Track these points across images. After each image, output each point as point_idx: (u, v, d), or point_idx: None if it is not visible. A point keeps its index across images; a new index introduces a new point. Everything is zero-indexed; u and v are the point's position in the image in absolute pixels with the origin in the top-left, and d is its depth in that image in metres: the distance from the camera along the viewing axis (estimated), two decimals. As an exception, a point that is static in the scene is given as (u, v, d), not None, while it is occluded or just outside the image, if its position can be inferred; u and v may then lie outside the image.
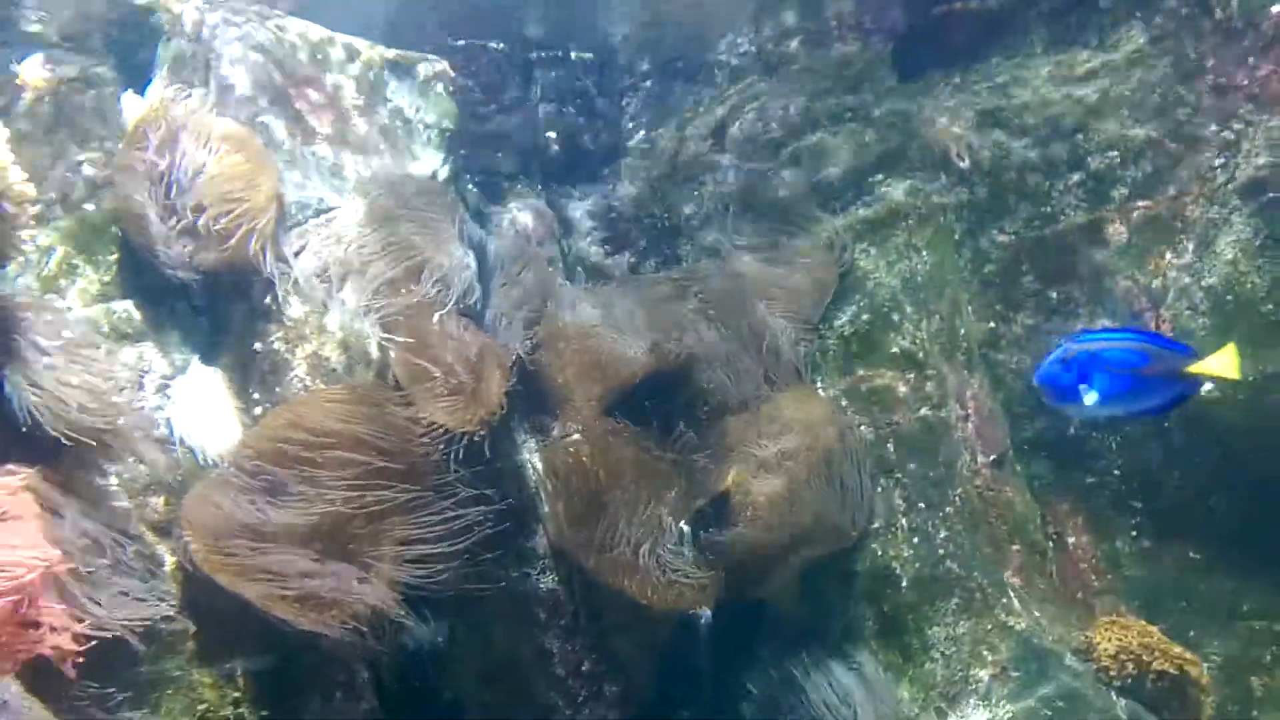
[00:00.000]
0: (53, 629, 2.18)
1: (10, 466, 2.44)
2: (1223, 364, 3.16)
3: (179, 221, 3.12)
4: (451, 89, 3.84)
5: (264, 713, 2.99)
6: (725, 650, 4.03)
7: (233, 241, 3.17)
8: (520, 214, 4.13)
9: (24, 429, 2.56)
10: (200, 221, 3.14)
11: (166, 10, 3.40)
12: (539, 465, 3.84)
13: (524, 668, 3.79)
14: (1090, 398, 3.10)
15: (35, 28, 3.44)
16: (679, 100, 4.66)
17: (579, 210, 4.42)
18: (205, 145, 3.13)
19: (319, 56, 3.55)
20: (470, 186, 4.17)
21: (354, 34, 3.77)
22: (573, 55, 4.45)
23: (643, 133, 4.63)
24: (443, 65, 3.80)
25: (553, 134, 4.43)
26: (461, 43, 4.21)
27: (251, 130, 3.30)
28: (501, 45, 4.30)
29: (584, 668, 3.85)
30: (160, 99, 3.24)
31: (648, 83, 4.67)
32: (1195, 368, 3.13)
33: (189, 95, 3.26)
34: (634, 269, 4.41)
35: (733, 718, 3.96)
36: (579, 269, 4.37)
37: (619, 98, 4.62)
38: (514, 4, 4.34)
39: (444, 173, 3.81)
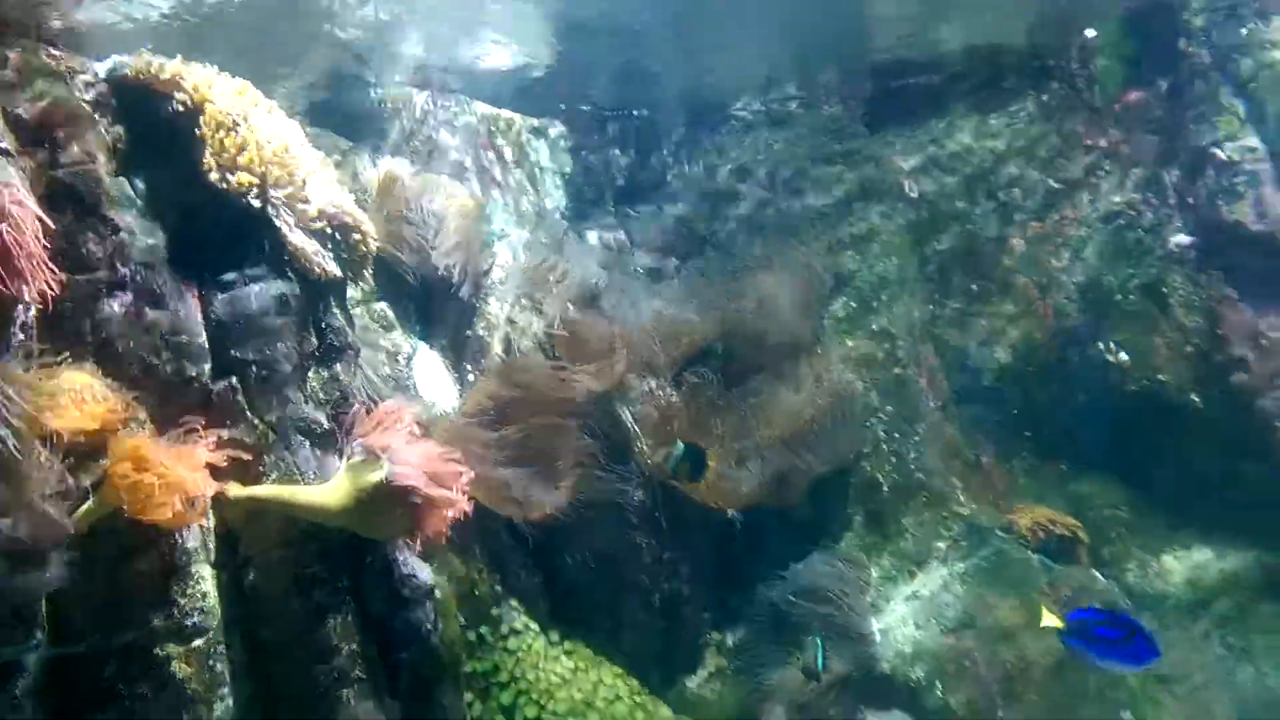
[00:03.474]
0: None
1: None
2: None
3: (423, 247, 4.49)
4: (568, 144, 5.29)
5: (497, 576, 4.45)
6: (755, 544, 5.63)
7: (455, 260, 4.57)
8: (605, 232, 5.61)
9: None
10: (437, 248, 4.52)
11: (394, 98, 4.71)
12: (629, 414, 5.35)
13: (624, 553, 5.28)
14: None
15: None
16: (707, 146, 6.23)
17: (637, 228, 5.92)
18: (440, 197, 4.50)
19: (492, 128, 4.93)
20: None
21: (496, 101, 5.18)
22: (633, 113, 5.92)
23: (681, 167, 6.17)
24: (562, 127, 5.24)
25: (620, 171, 5.90)
26: (563, 106, 5.61)
27: (463, 183, 4.68)
28: (588, 108, 5.72)
29: (665, 556, 5.41)
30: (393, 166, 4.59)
31: (683, 130, 6.21)
32: None
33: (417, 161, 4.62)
34: (678, 270, 5.96)
35: (759, 593, 5.58)
36: (639, 270, 5.88)
37: (662, 144, 6.13)
38: (589, 76, 5.74)
39: (564, 204, 5.27)
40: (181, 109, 3.48)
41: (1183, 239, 5.54)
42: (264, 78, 3.88)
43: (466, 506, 3.53)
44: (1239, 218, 5.23)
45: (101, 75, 3.58)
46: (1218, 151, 5.29)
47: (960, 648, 5.04)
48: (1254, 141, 5.23)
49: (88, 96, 3.54)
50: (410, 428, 3.62)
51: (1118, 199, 5.73)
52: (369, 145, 4.88)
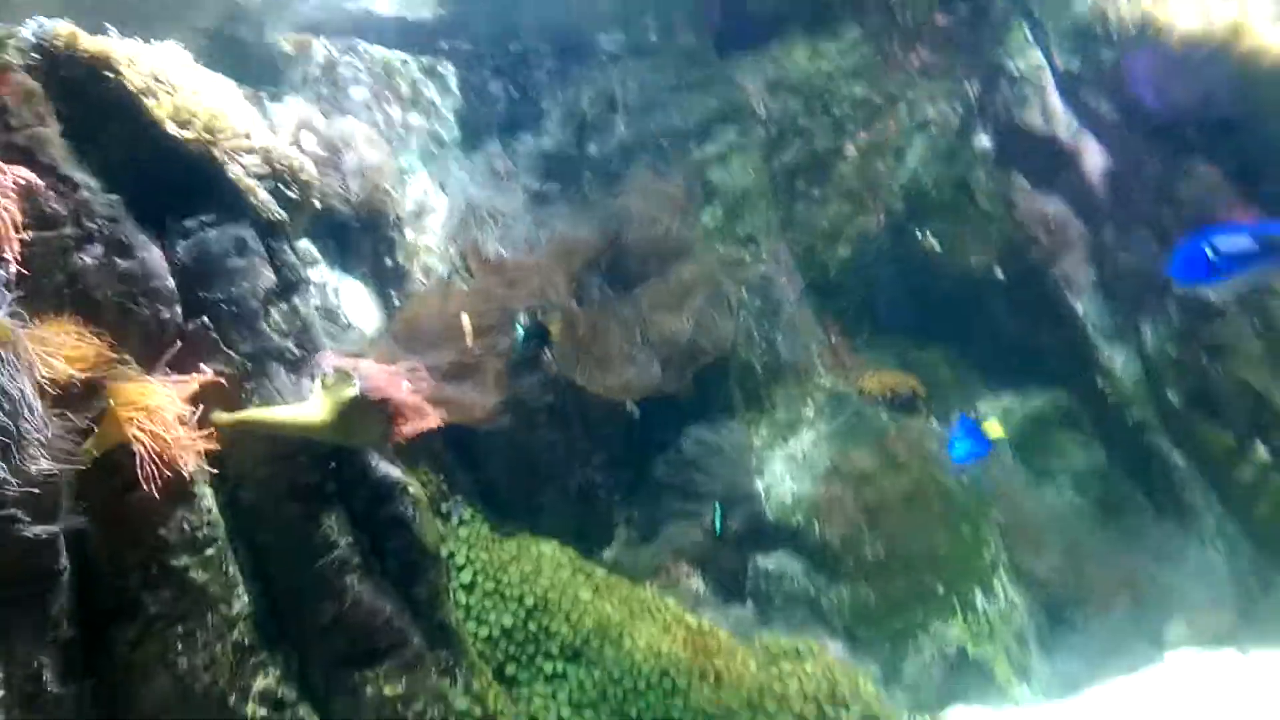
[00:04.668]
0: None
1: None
2: None
3: (338, 186, 4.88)
4: (456, 82, 5.70)
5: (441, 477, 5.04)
6: (654, 429, 6.40)
7: (372, 194, 4.98)
8: (495, 161, 6.10)
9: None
10: (352, 185, 4.91)
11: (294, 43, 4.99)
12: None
13: (541, 448, 5.93)
14: (1221, 279, 4.06)
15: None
16: (577, 77, 6.75)
17: (523, 156, 6.42)
18: (350, 138, 4.88)
19: (388, 70, 5.28)
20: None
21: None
22: (509, 49, 6.34)
23: (556, 97, 6.67)
24: (450, 66, 5.64)
25: (503, 105, 6.34)
26: (446, 46, 5.96)
27: (371, 126, 5.06)
28: (469, 46, 6.09)
29: (577, 448, 6.10)
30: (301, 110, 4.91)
31: (555, 63, 6.69)
32: None
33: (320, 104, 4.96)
34: (562, 194, 6.52)
35: (659, 470, 6.37)
36: (528, 195, 6.41)
37: (538, 77, 6.60)
38: (469, 16, 6.06)
39: (458, 137, 5.71)
40: (116, 74, 3.74)
41: (984, 142, 6.56)
42: (157, 28, 4.12)
43: (437, 419, 4.10)
44: (1029, 121, 6.29)
45: (32, 41, 3.78)
46: (1010, 66, 6.30)
47: (831, 493, 6.04)
48: (1038, 57, 6.26)
49: (22, 62, 3.75)
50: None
51: (931, 110, 6.69)
52: (268, 92, 5.14)
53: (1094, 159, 6.14)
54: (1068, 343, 6.53)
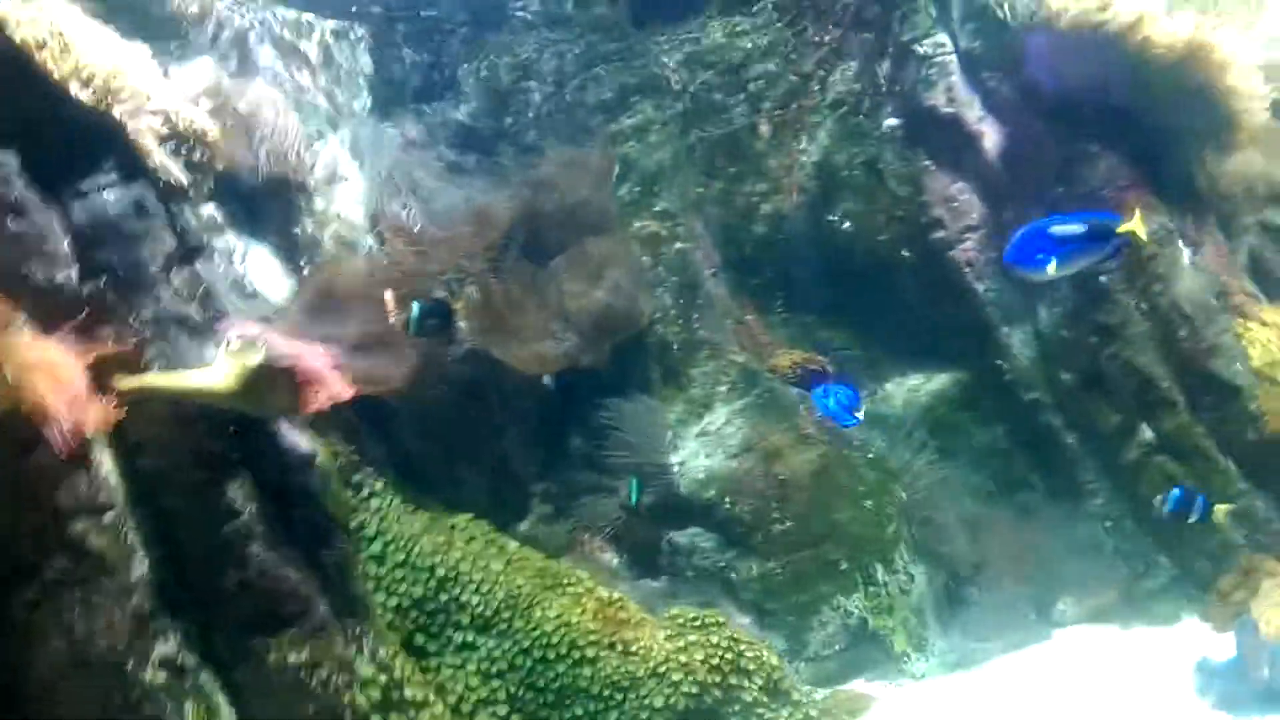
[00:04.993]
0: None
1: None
2: (1138, 223, 4.51)
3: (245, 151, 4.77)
4: (368, 45, 5.60)
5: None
6: (571, 404, 6.42)
7: (280, 160, 4.88)
8: (409, 129, 6.03)
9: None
10: (259, 150, 4.81)
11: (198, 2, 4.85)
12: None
13: (455, 421, 5.92)
14: (1052, 266, 4.27)
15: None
16: (492, 45, 6.69)
17: (437, 125, 6.36)
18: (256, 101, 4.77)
19: (296, 32, 5.17)
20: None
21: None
22: (420, 14, 6.26)
23: (470, 65, 6.61)
24: (361, 30, 5.55)
25: (415, 71, 6.26)
26: (354, 9, 5.86)
27: (275, 87, 4.94)
28: (379, 9, 5.99)
29: (492, 421, 6.12)
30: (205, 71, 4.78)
31: (468, 29, 6.63)
32: (1122, 228, 4.38)
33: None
34: (478, 164, 6.48)
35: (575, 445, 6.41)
36: (442, 165, 6.35)
37: (451, 44, 6.53)
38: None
39: (369, 103, 5.63)
40: (7, 33, 3.61)
41: (893, 121, 6.70)
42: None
43: (346, 391, 4.06)
44: (934, 102, 6.46)
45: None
46: (917, 47, 6.45)
47: (742, 469, 6.16)
48: (943, 38, 6.43)
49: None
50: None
51: (842, 88, 6.80)
52: (172, 54, 4.99)
53: (995, 140, 6.33)
54: (969, 323, 6.70)
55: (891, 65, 6.70)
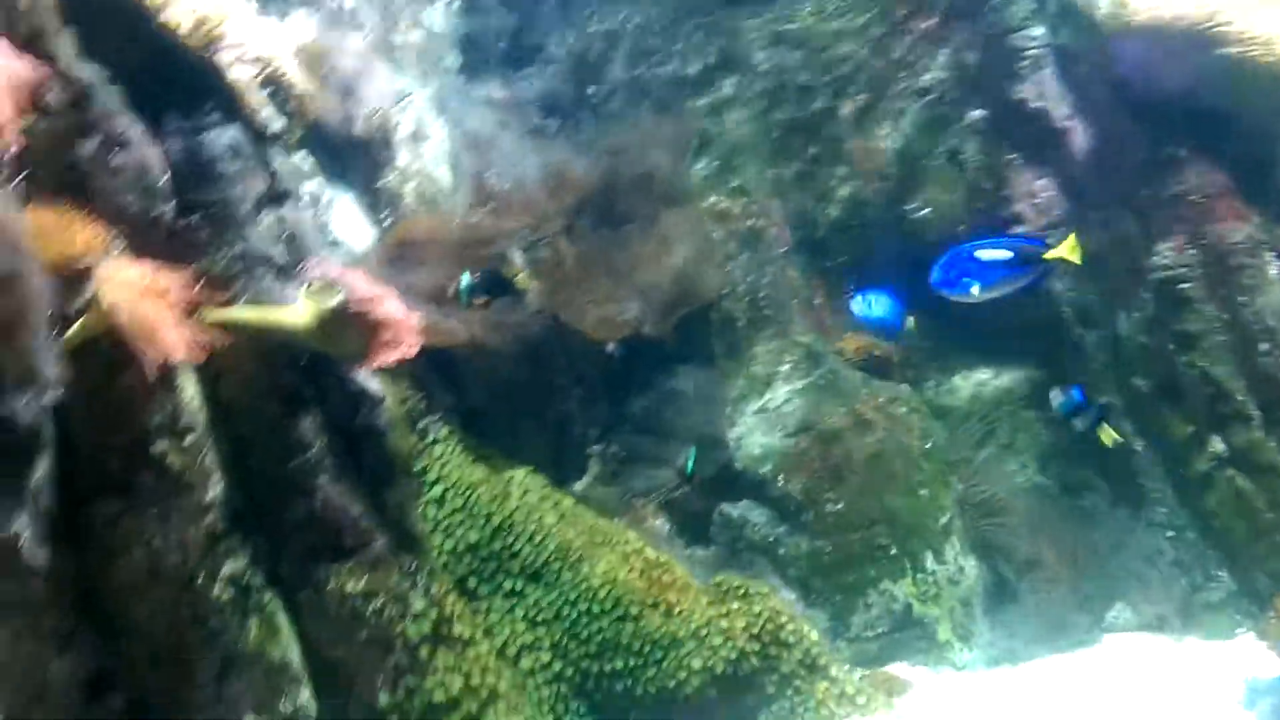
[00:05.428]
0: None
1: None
2: (1068, 248, 4.69)
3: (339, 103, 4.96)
4: (457, 8, 5.75)
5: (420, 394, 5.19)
6: (634, 371, 6.53)
7: (368, 115, 5.06)
8: (495, 93, 6.17)
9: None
10: (350, 103, 4.99)
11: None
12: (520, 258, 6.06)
13: (521, 378, 6.07)
14: (975, 289, 4.60)
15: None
16: (581, 13, 6.80)
17: (523, 90, 6.49)
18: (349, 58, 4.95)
19: (398, -9, 5.35)
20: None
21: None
22: (516, -19, 6.41)
23: (558, 32, 6.72)
24: (452, -8, 5.71)
25: (504, 36, 6.41)
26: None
27: (371, 46, 5.12)
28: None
29: (556, 382, 6.26)
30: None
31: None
32: (1050, 254, 4.65)
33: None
34: (560, 130, 6.60)
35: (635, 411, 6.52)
36: (525, 129, 6.48)
37: (541, 9, 6.66)
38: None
39: (457, 66, 5.77)
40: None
41: (978, 113, 6.63)
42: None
43: (416, 344, 4.19)
44: (1023, 96, 6.36)
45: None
46: (1010, 39, 6.36)
47: (799, 448, 6.21)
48: (1038, 31, 6.32)
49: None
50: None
51: (929, 77, 6.74)
52: (270, 3, 5.19)
53: (1082, 138, 6.22)
54: (1043, 320, 6.65)
55: (983, 56, 6.62)
